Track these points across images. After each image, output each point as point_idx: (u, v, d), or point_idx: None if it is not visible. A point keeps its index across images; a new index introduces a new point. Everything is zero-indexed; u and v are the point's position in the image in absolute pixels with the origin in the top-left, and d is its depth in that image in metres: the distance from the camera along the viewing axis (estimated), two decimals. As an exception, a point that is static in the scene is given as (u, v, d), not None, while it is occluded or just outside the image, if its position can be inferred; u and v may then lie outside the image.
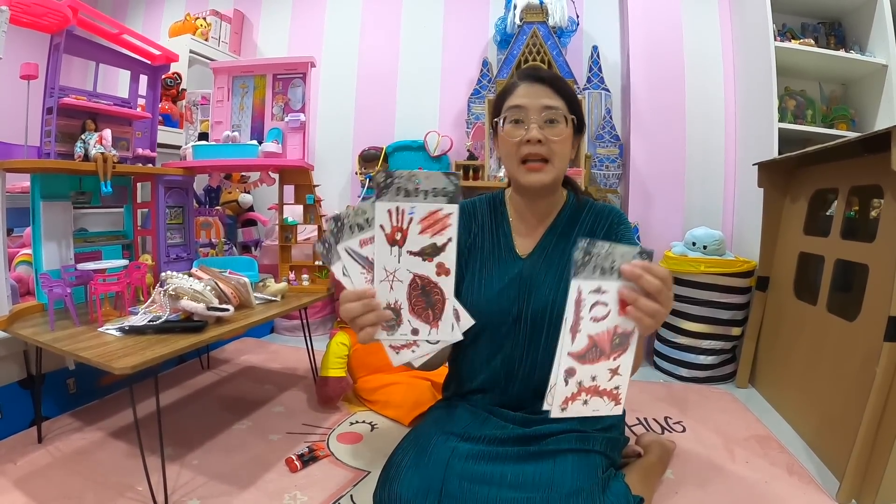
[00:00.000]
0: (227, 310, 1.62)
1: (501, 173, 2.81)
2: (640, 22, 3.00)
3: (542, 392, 0.84)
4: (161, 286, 1.66)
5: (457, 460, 1.06)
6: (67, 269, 1.80)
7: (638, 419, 2.00)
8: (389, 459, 1.14)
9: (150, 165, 2.24)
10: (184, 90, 3.25)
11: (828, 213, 2.16)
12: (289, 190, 2.32)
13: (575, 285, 0.79)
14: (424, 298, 0.84)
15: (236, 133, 2.24)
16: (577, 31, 3.07)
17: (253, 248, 3.31)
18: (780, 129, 2.46)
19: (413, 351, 0.87)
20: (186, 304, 1.56)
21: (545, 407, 0.83)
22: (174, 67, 3.17)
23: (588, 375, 0.82)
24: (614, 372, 0.82)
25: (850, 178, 1.85)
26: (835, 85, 2.85)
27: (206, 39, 3.57)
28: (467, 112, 3.09)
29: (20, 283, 2.03)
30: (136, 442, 1.45)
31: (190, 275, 1.75)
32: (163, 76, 3.03)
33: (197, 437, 1.79)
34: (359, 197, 3.20)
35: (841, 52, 2.61)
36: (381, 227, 0.82)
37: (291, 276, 2.19)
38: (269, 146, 2.15)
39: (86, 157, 1.90)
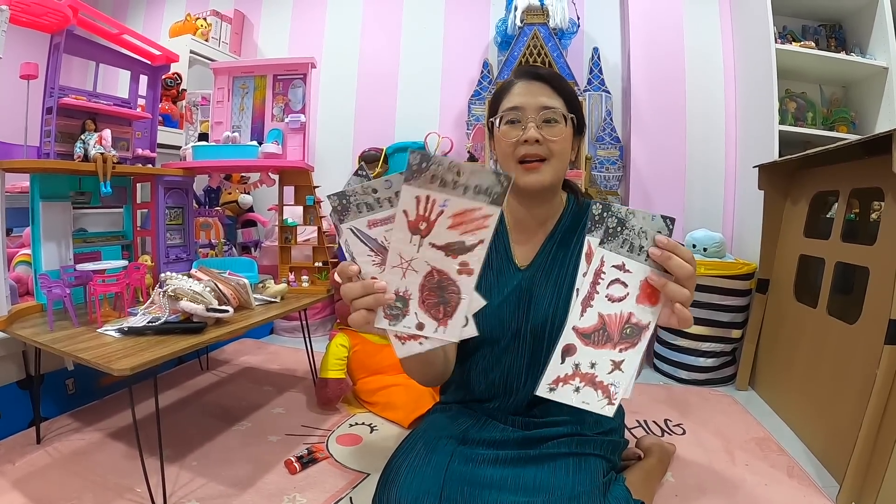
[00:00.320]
0: (227, 311, 1.61)
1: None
2: (641, 24, 3.00)
3: (542, 402, 0.81)
4: (160, 287, 1.65)
5: (456, 464, 1.04)
6: (67, 269, 1.79)
7: (637, 421, 2.00)
8: (389, 463, 1.13)
9: (150, 166, 2.23)
10: (184, 90, 3.24)
11: (828, 216, 2.17)
12: (289, 191, 2.31)
13: (599, 254, 0.74)
14: (438, 293, 0.77)
15: (236, 134, 2.23)
16: (578, 32, 3.06)
17: (252, 249, 3.30)
18: (780, 131, 2.45)
19: (420, 343, 0.79)
20: (186, 305, 1.55)
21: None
22: (174, 68, 3.17)
23: (588, 360, 0.77)
24: (616, 365, 0.77)
25: (851, 180, 1.85)
26: (835, 87, 2.85)
27: (207, 40, 3.56)
28: (468, 113, 3.09)
29: (19, 284, 2.02)
30: (134, 443, 1.44)
31: (189, 276, 1.74)
32: (163, 76, 3.04)
33: (196, 439, 1.79)
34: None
35: (841, 55, 2.60)
36: (405, 212, 0.73)
37: (291, 277, 2.18)
38: (269, 147, 2.15)
39: (85, 158, 1.89)
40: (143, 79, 2.31)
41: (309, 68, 2.25)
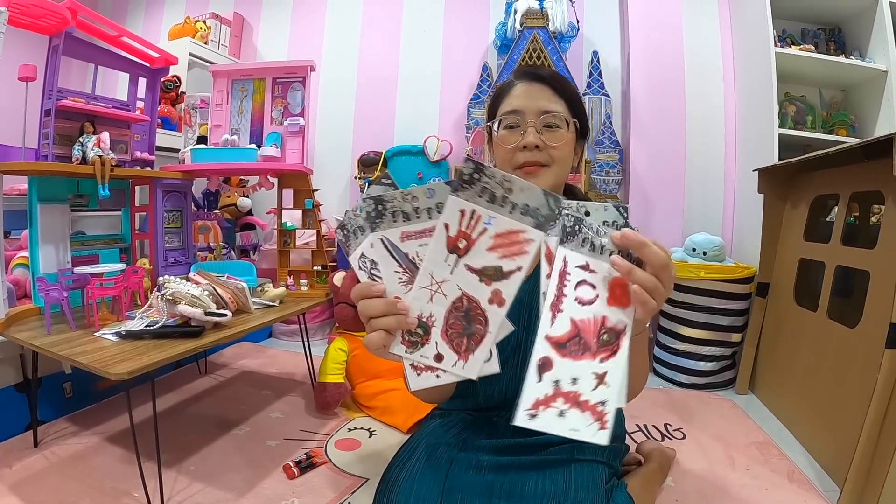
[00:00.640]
0: (225, 315, 1.61)
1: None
2: (641, 27, 3.00)
3: None
4: (158, 291, 1.64)
5: (456, 471, 1.03)
6: (64, 272, 1.78)
7: (638, 426, 1.99)
8: (387, 469, 1.12)
9: (149, 169, 2.22)
10: (183, 93, 3.24)
11: (827, 220, 2.16)
12: (288, 194, 2.30)
13: (561, 254, 0.67)
14: (464, 324, 0.71)
15: (235, 137, 2.23)
16: (578, 36, 3.06)
17: (251, 252, 3.30)
18: (780, 134, 2.45)
19: (437, 376, 0.72)
20: (184, 308, 1.55)
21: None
22: (173, 70, 3.16)
23: (568, 375, 0.67)
24: (601, 379, 0.66)
25: (851, 184, 1.84)
26: (835, 91, 2.86)
27: (206, 42, 3.55)
28: (467, 117, 3.08)
29: (17, 286, 2.01)
30: (132, 447, 1.42)
31: (188, 279, 1.74)
32: (162, 79, 3.04)
33: (194, 443, 1.78)
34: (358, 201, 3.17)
35: (841, 58, 2.60)
36: (447, 225, 0.68)
37: (290, 280, 2.17)
38: (268, 150, 2.15)
39: (83, 160, 1.88)
40: (142, 81, 2.30)
41: (308, 71, 2.25)
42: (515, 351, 1.08)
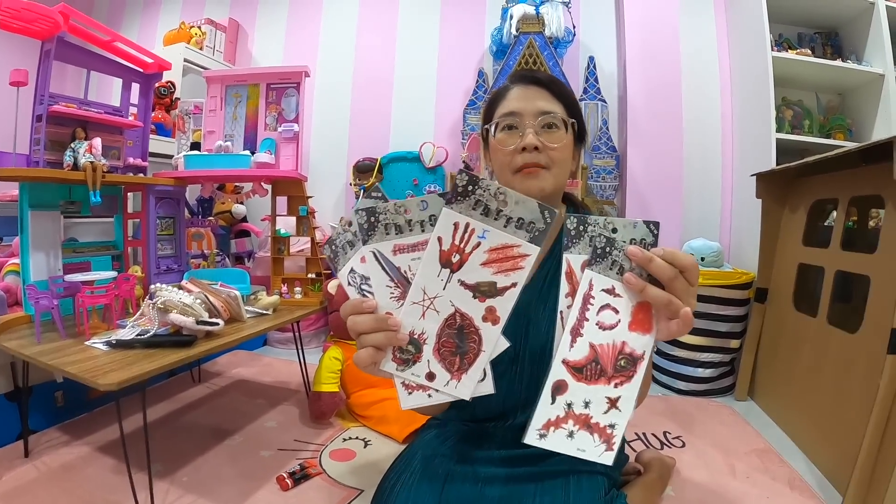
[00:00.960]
0: (217, 324, 1.58)
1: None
2: (637, 32, 2.99)
3: None
4: (150, 299, 1.62)
5: (453, 484, 1.00)
6: (55, 280, 1.76)
7: (636, 434, 1.97)
8: (382, 481, 1.09)
9: (142, 175, 2.21)
10: (177, 99, 3.23)
11: (826, 224, 2.15)
12: (282, 201, 2.28)
13: (587, 277, 0.66)
14: (457, 342, 0.69)
15: (229, 143, 2.21)
16: (574, 41, 3.06)
17: (246, 260, 3.28)
18: (777, 139, 2.45)
19: (430, 395, 0.71)
20: (175, 317, 1.53)
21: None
22: (168, 76, 3.15)
23: (581, 398, 0.67)
24: (613, 404, 0.67)
25: (850, 188, 1.83)
26: (831, 95, 2.85)
27: (201, 48, 3.56)
28: (463, 123, 3.08)
29: (8, 294, 1.99)
30: (124, 457, 1.40)
31: (180, 287, 1.72)
32: (156, 85, 3.02)
33: (187, 453, 1.75)
34: (353, 208, 3.16)
35: (838, 62, 2.60)
36: (440, 239, 0.67)
37: (284, 288, 2.15)
38: (262, 156, 2.12)
39: (75, 166, 1.87)
40: (135, 87, 2.29)
41: (303, 77, 2.23)
42: (513, 362, 1.06)
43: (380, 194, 0.74)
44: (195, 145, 2.37)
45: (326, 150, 3.56)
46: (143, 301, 1.70)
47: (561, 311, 0.68)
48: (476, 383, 0.70)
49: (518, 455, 1.06)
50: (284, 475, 1.57)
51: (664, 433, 1.99)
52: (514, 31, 2.87)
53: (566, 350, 0.67)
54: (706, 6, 3.12)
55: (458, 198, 0.65)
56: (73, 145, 1.90)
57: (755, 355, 2.36)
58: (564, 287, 0.68)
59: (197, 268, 2.50)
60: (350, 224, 0.72)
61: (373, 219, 0.68)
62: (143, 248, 2.22)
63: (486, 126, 1.10)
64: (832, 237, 1.88)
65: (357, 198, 3.16)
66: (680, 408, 2.26)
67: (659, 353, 2.58)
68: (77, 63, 2.06)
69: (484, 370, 0.70)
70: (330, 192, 3.50)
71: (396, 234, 0.68)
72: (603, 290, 0.67)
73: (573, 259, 0.67)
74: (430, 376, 0.70)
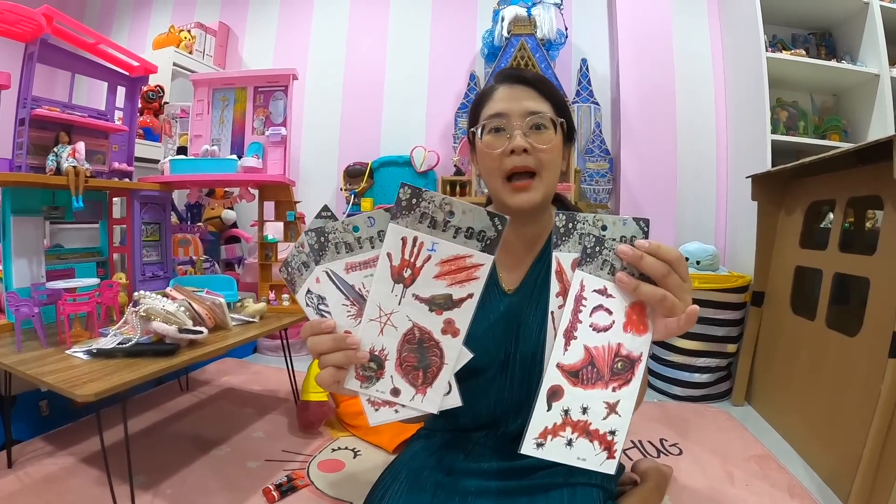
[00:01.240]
0: (201, 332, 1.55)
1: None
2: (630, 34, 2.97)
3: None
4: (134, 306, 1.58)
5: (441, 498, 0.96)
6: (37, 287, 1.73)
7: (633, 442, 1.94)
8: (369, 495, 1.05)
9: (127, 180, 2.17)
10: (167, 103, 3.19)
11: (822, 226, 2.14)
12: (270, 206, 2.24)
13: (578, 278, 0.64)
14: (418, 355, 0.68)
15: (215, 147, 2.17)
16: (566, 43, 3.04)
17: (237, 266, 3.24)
18: (772, 140, 2.43)
19: (396, 411, 0.70)
20: (158, 326, 1.49)
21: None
22: (157, 80, 3.13)
23: (578, 404, 0.65)
24: (612, 409, 0.65)
25: (848, 189, 1.81)
26: (826, 96, 2.84)
27: (191, 52, 3.54)
28: (454, 126, 3.05)
29: (-10, 302, 1.95)
30: (110, 467, 1.38)
31: (165, 295, 1.68)
32: (144, 89, 2.99)
33: (172, 464, 1.72)
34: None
35: (833, 63, 2.59)
36: (389, 255, 0.66)
37: (271, 295, 2.11)
38: (249, 161, 2.09)
39: (58, 171, 1.84)
40: (121, 90, 2.26)
41: (290, 80, 2.19)
42: (504, 366, 1.03)
43: (328, 213, 0.73)
44: (182, 149, 2.33)
45: (317, 155, 3.53)
46: (127, 309, 1.66)
47: (552, 312, 0.67)
48: (442, 397, 0.69)
49: (509, 467, 1.02)
50: (271, 487, 1.54)
51: (661, 440, 1.96)
52: (505, 33, 2.85)
53: (560, 354, 0.65)
54: (699, 7, 3.11)
55: (403, 212, 0.65)
56: (56, 149, 1.88)
57: (752, 359, 2.34)
58: (555, 286, 0.66)
59: (184, 274, 2.46)
60: (303, 245, 0.71)
61: (322, 238, 0.68)
62: (127, 255, 2.18)
63: (472, 128, 1.06)
64: (830, 239, 1.86)
65: (348, 203, 3.13)
66: (676, 414, 2.24)
67: (654, 358, 2.56)
68: (61, 66, 2.03)
69: (449, 383, 0.69)
70: (320, 197, 3.47)
71: (347, 252, 0.68)
72: (595, 290, 0.65)
73: (563, 257, 0.66)
74: (395, 392, 0.69)
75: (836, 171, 1.88)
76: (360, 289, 0.69)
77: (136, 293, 1.65)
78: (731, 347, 2.41)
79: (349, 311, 0.69)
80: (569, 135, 1.06)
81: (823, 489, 1.62)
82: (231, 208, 3.28)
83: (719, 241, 2.99)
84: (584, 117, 2.95)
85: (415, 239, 0.65)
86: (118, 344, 1.49)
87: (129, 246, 2.14)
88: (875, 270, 1.58)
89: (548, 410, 0.65)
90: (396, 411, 0.70)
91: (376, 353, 0.69)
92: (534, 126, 0.98)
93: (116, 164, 2.17)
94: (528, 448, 0.65)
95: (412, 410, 0.69)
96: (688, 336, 2.39)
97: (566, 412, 0.65)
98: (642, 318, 0.65)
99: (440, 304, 0.67)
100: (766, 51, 2.51)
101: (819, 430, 1.77)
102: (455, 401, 0.70)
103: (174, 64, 3.38)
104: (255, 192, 2.26)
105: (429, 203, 0.64)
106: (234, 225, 3.37)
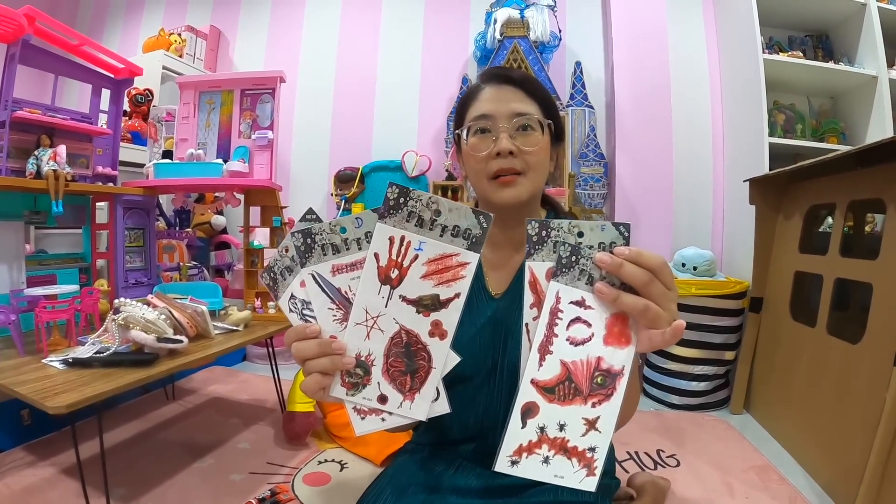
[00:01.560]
0: (181, 342, 1.51)
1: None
2: (624, 36, 2.94)
3: None
4: (115, 314, 1.54)
5: None
6: (16, 293, 1.70)
7: (628, 453, 1.90)
8: (351, 515, 1.01)
9: (111, 184, 2.13)
10: (155, 107, 3.15)
11: (820, 231, 2.12)
12: (256, 211, 2.20)
13: (553, 290, 0.61)
14: (406, 360, 0.66)
15: (201, 151, 2.14)
16: (560, 46, 3.02)
17: (226, 273, 3.19)
18: (770, 143, 2.40)
19: (383, 419, 0.68)
20: (136, 334, 1.46)
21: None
22: (146, 84, 3.09)
23: (555, 421, 0.62)
24: (591, 425, 0.62)
25: (849, 192, 1.78)
26: (823, 99, 2.82)
27: (181, 56, 3.50)
28: (447, 131, 3.02)
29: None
30: (89, 479, 1.37)
31: (147, 302, 1.64)
32: (133, 93, 2.97)
33: (154, 476, 1.68)
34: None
35: (830, 64, 2.56)
36: (376, 255, 0.64)
37: (257, 303, 2.06)
38: (235, 165, 2.05)
39: (38, 174, 1.82)
40: (106, 93, 2.23)
41: (278, 82, 2.16)
42: (491, 374, 0.99)
43: (314, 216, 0.70)
44: (167, 153, 2.29)
45: (308, 160, 3.48)
46: (108, 316, 1.62)
47: (526, 324, 0.63)
48: (430, 403, 0.67)
49: (497, 486, 0.97)
50: (254, 502, 1.50)
51: (658, 451, 1.92)
52: (498, 36, 2.82)
53: (534, 369, 0.62)
54: (695, 9, 3.08)
55: (391, 211, 0.63)
56: (36, 153, 1.85)
57: (751, 367, 2.31)
58: (528, 297, 0.63)
59: (169, 281, 2.41)
60: (287, 249, 0.69)
61: (309, 240, 0.66)
62: (110, 261, 2.14)
63: (457, 130, 1.04)
64: (830, 243, 1.83)
65: (338, 208, 3.09)
66: (673, 423, 2.20)
67: (651, 366, 2.52)
68: (43, 67, 2.01)
69: (437, 389, 0.67)
70: (311, 202, 3.41)
71: (334, 253, 0.66)
72: (572, 302, 0.61)
73: (536, 267, 0.63)
74: (383, 399, 0.67)
75: (835, 173, 1.84)
76: (346, 292, 0.66)
77: (116, 300, 1.61)
78: (729, 355, 2.38)
79: (335, 316, 0.67)
80: (557, 135, 1.03)
81: (826, 501, 1.59)
82: (221, 213, 3.23)
83: (716, 246, 2.95)
84: (578, 121, 2.91)
85: (402, 238, 0.64)
86: (95, 353, 1.46)
87: (112, 251, 2.11)
88: (878, 275, 1.54)
89: (522, 427, 0.62)
90: (383, 419, 0.68)
91: (363, 358, 0.66)
92: (520, 127, 0.96)
93: (100, 168, 2.13)
94: (501, 466, 0.63)
95: (400, 418, 0.67)
96: (685, 343, 2.35)
97: (542, 429, 0.62)
98: (624, 330, 0.62)
99: (427, 305, 0.65)
100: (763, 52, 2.48)
101: (821, 440, 1.74)
102: (443, 407, 0.68)
103: (164, 67, 3.35)
104: (241, 196, 2.22)
105: (416, 202, 0.63)
106: (224, 231, 3.32)
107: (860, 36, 2.57)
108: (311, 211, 0.71)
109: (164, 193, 2.37)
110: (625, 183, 2.91)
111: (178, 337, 1.53)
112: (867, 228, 2.15)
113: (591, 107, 2.96)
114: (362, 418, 0.68)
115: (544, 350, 0.62)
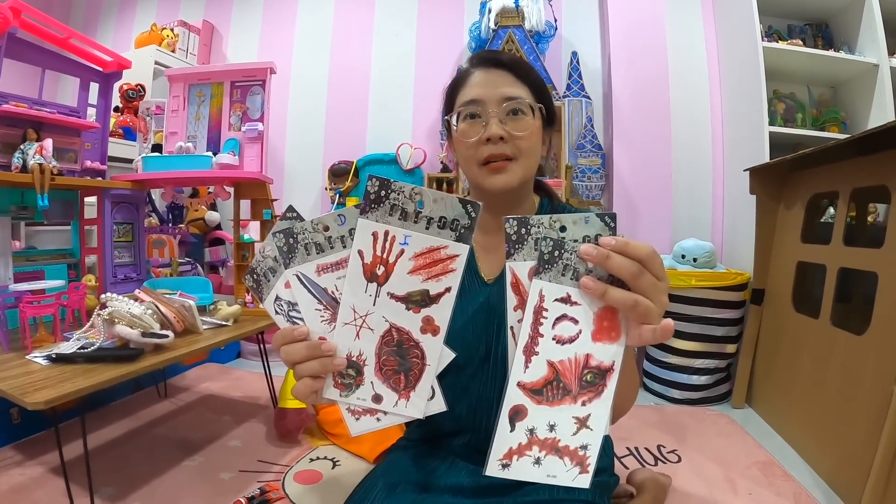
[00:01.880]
0: (166, 336, 1.49)
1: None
2: (621, 26, 2.90)
3: None
4: (101, 309, 1.52)
5: None
6: (2, 289, 1.68)
7: (628, 449, 1.87)
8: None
9: (100, 179, 2.10)
10: (145, 101, 3.12)
11: (822, 221, 2.09)
12: (246, 205, 2.17)
13: (536, 288, 0.59)
14: (398, 358, 0.65)
15: (190, 144, 2.10)
16: (556, 36, 2.98)
17: (220, 268, 3.16)
18: (770, 132, 2.37)
19: (378, 419, 0.67)
20: (120, 329, 1.44)
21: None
22: (138, 79, 3.06)
23: (544, 422, 0.61)
24: (582, 423, 0.60)
25: (851, 180, 1.74)
26: (824, 88, 2.78)
27: (174, 51, 3.47)
28: (442, 123, 2.97)
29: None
30: (77, 479, 1.37)
31: (135, 298, 1.62)
32: (125, 88, 2.94)
33: (143, 475, 1.65)
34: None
35: (831, 53, 2.52)
36: (360, 252, 0.62)
37: (248, 297, 2.03)
38: (224, 157, 2.02)
39: (24, 169, 1.80)
40: (94, 86, 2.21)
41: (268, 74, 2.13)
42: (484, 362, 0.97)
43: (294, 214, 0.68)
44: (157, 147, 2.26)
45: (301, 154, 3.45)
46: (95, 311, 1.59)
47: (511, 327, 0.61)
48: (426, 401, 0.66)
49: (489, 485, 0.94)
50: (243, 501, 1.45)
51: (658, 447, 1.89)
52: (492, 25, 2.79)
53: (521, 372, 0.60)
54: (693, -2, 3.04)
55: (373, 205, 0.61)
56: (22, 147, 1.84)
57: (753, 360, 2.28)
58: (512, 299, 0.61)
59: (159, 276, 2.38)
60: (270, 249, 0.68)
61: (291, 240, 0.64)
62: (98, 256, 2.12)
63: (447, 116, 1.01)
64: (833, 233, 1.79)
65: (332, 202, 3.05)
66: (674, 418, 2.17)
67: (650, 359, 2.49)
68: (30, 61, 1.99)
69: (432, 387, 0.66)
70: (305, 196, 3.40)
71: (318, 253, 0.65)
72: (556, 299, 0.58)
73: (518, 267, 0.60)
74: (377, 398, 0.66)
75: (837, 161, 1.81)
76: (332, 291, 0.65)
77: (103, 296, 1.59)
78: (730, 347, 2.34)
79: (322, 316, 0.65)
80: (549, 119, 1.01)
81: (831, 497, 1.56)
82: (215, 209, 3.20)
83: (716, 238, 2.92)
84: (574, 112, 2.87)
85: (386, 233, 0.61)
86: (80, 348, 1.44)
87: (100, 247, 2.08)
88: (883, 264, 1.51)
89: (511, 431, 0.61)
90: (378, 419, 0.67)
91: (354, 358, 0.65)
92: (510, 112, 0.94)
93: (89, 163, 2.11)
94: (492, 469, 0.61)
95: (396, 417, 0.66)
96: (685, 337, 2.32)
97: (531, 431, 0.61)
98: (613, 325, 0.59)
99: (417, 301, 0.63)
100: (762, 41, 2.44)
101: (825, 434, 1.70)
102: (439, 405, 0.67)
103: (156, 63, 3.32)
104: (231, 190, 2.18)
105: (398, 194, 0.60)
106: (219, 227, 3.29)
107: (860, 24, 2.53)
108: (291, 209, 0.69)
109: (153, 187, 2.33)
110: (623, 174, 2.87)
111: (163, 332, 1.50)
112: (869, 219, 2.12)
113: (588, 97, 2.92)
114: (357, 419, 0.67)
115: (529, 351, 0.60)
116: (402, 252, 0.62)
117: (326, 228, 0.64)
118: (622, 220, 2.81)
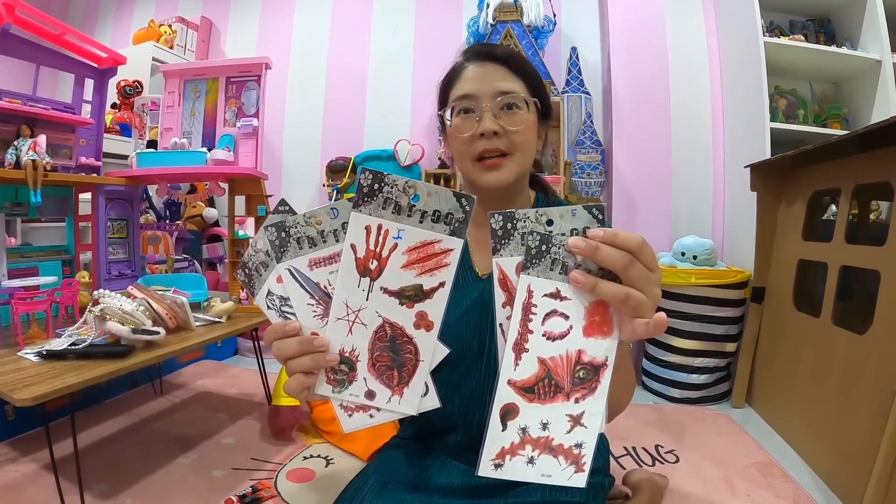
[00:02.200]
0: (157, 333, 1.47)
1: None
2: (621, 21, 2.88)
3: None
4: (94, 306, 1.51)
5: None
6: None
7: (625, 448, 1.85)
8: (334, 507, 0.96)
9: (95, 175, 2.09)
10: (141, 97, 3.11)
11: (824, 218, 2.08)
12: (241, 201, 2.15)
13: (524, 283, 0.58)
14: (391, 354, 0.64)
15: (185, 140, 2.09)
16: (555, 31, 2.96)
17: (218, 265, 3.15)
18: (771, 129, 2.35)
19: (371, 416, 0.66)
20: (111, 326, 1.42)
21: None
22: (136, 75, 3.05)
23: (537, 420, 0.59)
24: (576, 421, 0.59)
25: (853, 176, 1.72)
26: (825, 84, 2.76)
27: (172, 47, 3.47)
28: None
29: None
30: (71, 476, 1.36)
31: (128, 294, 1.61)
32: (122, 85, 2.94)
33: (135, 472, 1.64)
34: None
35: (833, 48, 2.50)
36: (353, 246, 0.61)
37: (243, 294, 2.02)
38: (219, 153, 2.01)
39: (17, 165, 1.79)
40: (89, 83, 2.21)
41: (263, 69, 2.12)
42: (477, 358, 0.95)
43: (286, 207, 0.67)
44: (152, 143, 2.25)
45: (299, 151, 3.43)
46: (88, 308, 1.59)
47: (501, 325, 0.60)
48: (420, 397, 0.65)
49: (482, 485, 0.93)
50: (234, 499, 1.46)
51: (656, 447, 1.88)
52: (490, 20, 2.77)
53: (511, 370, 0.59)
54: (693, -7, 3.02)
55: (366, 199, 0.60)
56: (16, 143, 1.83)
57: (753, 359, 2.26)
58: (500, 296, 0.60)
59: (155, 273, 2.37)
60: (262, 243, 0.68)
61: (283, 234, 0.63)
62: (93, 252, 2.11)
63: (440, 111, 1.00)
64: (835, 230, 1.77)
65: (330, 199, 3.04)
66: (673, 417, 2.16)
67: (649, 358, 2.48)
68: (24, 57, 1.98)
69: (426, 383, 0.65)
70: (303, 193, 3.39)
71: (310, 247, 0.63)
72: (546, 295, 0.57)
73: (505, 262, 0.59)
74: (370, 395, 0.64)
75: (839, 158, 1.79)
76: (325, 286, 0.64)
77: (96, 292, 1.58)
78: (730, 346, 2.33)
79: (315, 311, 0.65)
80: (544, 113, 1.00)
81: (830, 498, 1.55)
82: (212, 205, 3.19)
83: (717, 235, 2.90)
84: (574, 107, 2.85)
85: (379, 227, 0.61)
86: (71, 345, 1.43)
87: (94, 243, 2.08)
88: (886, 262, 1.49)
89: (503, 430, 0.60)
90: (371, 416, 0.65)
91: (346, 354, 0.64)
92: (505, 106, 0.93)
93: (84, 159, 2.11)
94: (485, 470, 0.60)
95: (389, 413, 0.65)
96: (685, 335, 2.30)
97: (524, 430, 0.59)
98: (605, 319, 0.57)
99: (410, 296, 0.63)
100: (764, 36, 2.41)
101: (826, 435, 1.69)
102: (433, 402, 0.65)
103: (154, 59, 3.31)
104: (226, 186, 2.17)
105: (392, 187, 0.59)
106: (216, 223, 3.28)
107: (863, 19, 2.51)
108: (283, 202, 0.68)
109: (148, 184, 2.32)
110: (622, 171, 2.85)
111: (155, 328, 1.49)
112: (872, 216, 2.10)
113: (588, 93, 2.90)
114: (350, 415, 0.66)
115: (519, 348, 0.58)
116: (395, 246, 0.61)
117: (319, 222, 0.63)
118: (622, 217, 2.80)
